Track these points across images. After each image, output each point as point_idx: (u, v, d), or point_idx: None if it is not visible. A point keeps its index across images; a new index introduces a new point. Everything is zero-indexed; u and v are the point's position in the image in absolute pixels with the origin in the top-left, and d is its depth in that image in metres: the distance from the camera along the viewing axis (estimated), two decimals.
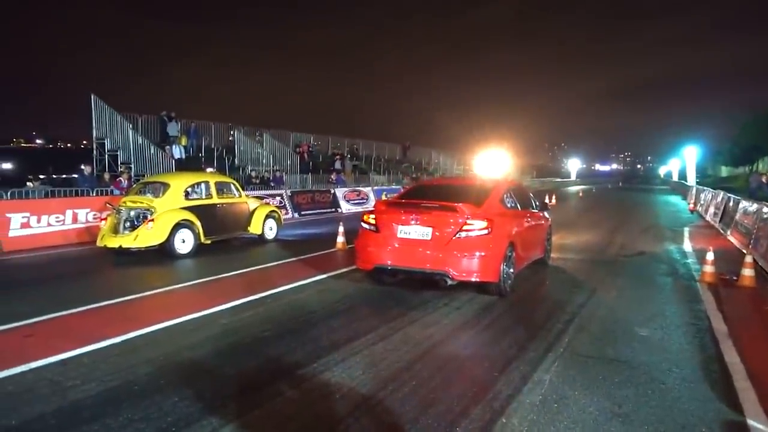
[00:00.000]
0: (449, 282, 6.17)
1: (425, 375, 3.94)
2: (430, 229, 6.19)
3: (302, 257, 9.33)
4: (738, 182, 47.40)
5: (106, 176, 14.49)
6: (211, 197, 10.36)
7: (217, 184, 10.69)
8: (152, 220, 9.08)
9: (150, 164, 16.63)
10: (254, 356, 4.39)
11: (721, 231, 13.56)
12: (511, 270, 6.58)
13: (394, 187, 25.83)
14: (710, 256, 7.54)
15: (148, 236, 8.96)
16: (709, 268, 7.44)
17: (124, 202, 9.59)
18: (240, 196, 11.22)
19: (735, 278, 7.34)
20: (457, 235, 6.10)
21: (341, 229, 10.53)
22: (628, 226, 15.15)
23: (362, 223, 6.79)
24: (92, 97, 16.28)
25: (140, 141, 16.80)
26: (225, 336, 4.92)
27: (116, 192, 13.24)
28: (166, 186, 9.78)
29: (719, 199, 16.09)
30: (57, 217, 11.08)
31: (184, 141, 19.21)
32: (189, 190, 10.00)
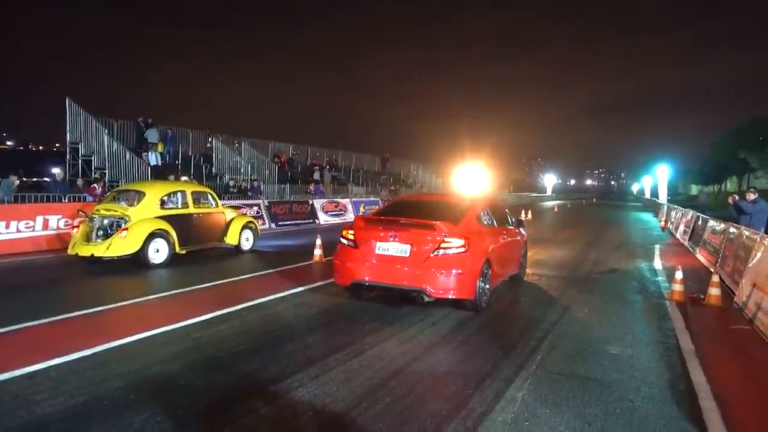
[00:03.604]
0: (426, 299, 6.25)
1: (399, 392, 3.95)
2: (408, 246, 6.23)
3: (279, 269, 9.31)
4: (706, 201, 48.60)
5: (80, 182, 14.22)
6: (188, 207, 10.24)
7: (193, 193, 10.59)
8: (126, 229, 8.93)
9: (125, 171, 16.41)
10: (228, 371, 4.36)
11: (690, 249, 13.91)
12: (487, 286, 6.69)
13: (372, 199, 25.90)
14: (679, 274, 7.74)
15: (121, 245, 8.81)
16: (677, 287, 7.63)
17: (98, 210, 9.44)
18: (217, 206, 11.13)
19: (702, 297, 7.54)
20: (435, 253, 6.15)
21: (318, 241, 10.51)
22: (601, 243, 15.43)
23: (341, 239, 6.79)
24: (67, 100, 16.03)
25: (116, 147, 16.58)
26: (198, 350, 4.87)
27: (89, 198, 13.01)
28: (141, 194, 9.65)
29: (689, 217, 16.51)
30: (27, 223, 10.86)
31: (160, 148, 19.01)
32: (165, 198, 9.89)
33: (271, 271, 9.20)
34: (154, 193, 9.76)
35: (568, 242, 15.17)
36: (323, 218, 20.54)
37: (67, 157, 16.25)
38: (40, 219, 11.08)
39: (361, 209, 23.51)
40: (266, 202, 18.33)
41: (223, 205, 11.69)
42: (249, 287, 7.98)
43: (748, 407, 4.00)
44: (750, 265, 7.29)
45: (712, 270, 8.57)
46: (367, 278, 6.43)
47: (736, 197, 11.38)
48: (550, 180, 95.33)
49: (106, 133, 16.55)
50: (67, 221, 11.46)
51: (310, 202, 20.53)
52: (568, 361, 4.80)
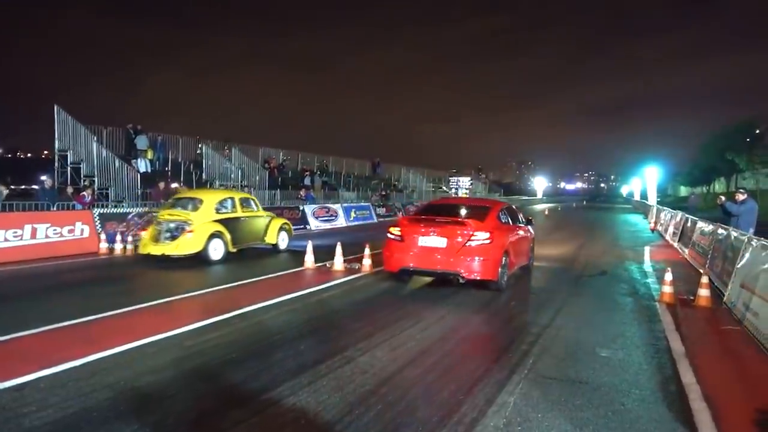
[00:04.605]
0: (461, 280, 7.65)
1: (391, 398, 3.95)
2: (445, 239, 7.71)
3: (280, 273, 9.31)
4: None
5: (69, 190, 14.07)
6: (236, 211, 11.59)
7: (240, 199, 11.97)
8: (191, 230, 10.27)
9: (114, 178, 16.26)
10: (218, 379, 4.33)
11: (680, 251, 14.02)
12: (506, 271, 8.10)
13: (363, 204, 25.87)
14: (669, 276, 7.79)
15: (187, 244, 10.16)
16: (667, 289, 7.68)
17: (163, 215, 10.73)
18: (258, 210, 12.48)
19: (692, 298, 7.59)
20: (466, 244, 7.61)
21: (309, 247, 10.48)
22: (591, 245, 15.52)
23: (389, 234, 8.27)
24: (56, 107, 15.90)
25: (105, 154, 16.44)
26: (191, 358, 4.83)
27: (78, 207, 12.91)
28: (200, 201, 10.98)
29: (678, 219, 16.64)
30: (14, 232, 10.73)
31: (150, 154, 18.89)
32: (218, 205, 11.18)
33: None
34: (210, 199, 11.18)
35: (559, 244, 15.23)
36: (314, 224, 20.49)
37: (56, 164, 16.12)
38: (28, 228, 10.96)
39: (352, 215, 23.49)
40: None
41: (262, 209, 12.91)
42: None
43: (738, 408, 4.02)
44: (738, 266, 7.35)
45: (701, 271, 8.63)
46: (411, 265, 7.92)
47: (723, 198, 11.47)
48: (540, 183, 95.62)
49: (95, 140, 16.41)
50: (55, 229, 11.36)
51: (301, 208, 20.45)
52: (559, 365, 4.81)
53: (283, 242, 12.89)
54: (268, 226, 12.49)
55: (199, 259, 10.24)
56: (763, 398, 4.21)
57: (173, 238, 10.27)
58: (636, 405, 3.95)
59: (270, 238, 12.47)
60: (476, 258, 7.57)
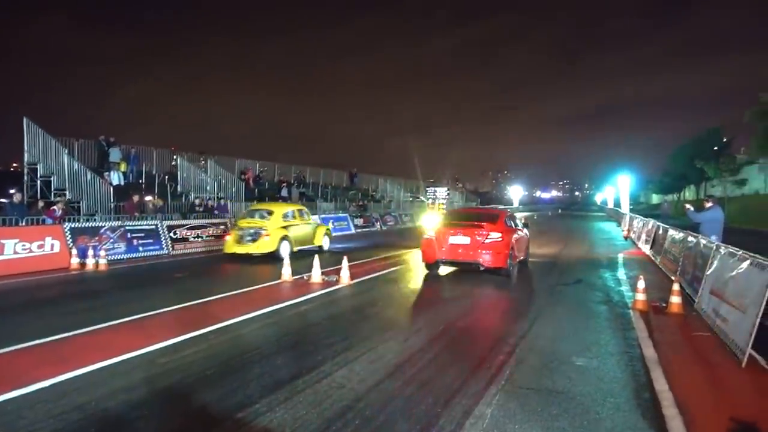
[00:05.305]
0: (481, 268, 10.01)
1: (369, 413, 3.93)
2: (468, 238, 10.22)
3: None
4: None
5: (40, 204, 13.69)
6: (295, 219, 14.67)
7: (297, 210, 15.15)
8: (268, 234, 13.24)
9: (86, 191, 15.94)
10: (194, 397, 4.26)
11: (652, 258, 14.27)
12: (512, 262, 10.36)
13: (341, 215, 25.83)
14: (641, 284, 7.94)
15: (266, 245, 13.13)
16: (640, 296, 7.82)
17: (242, 223, 13.70)
18: (308, 218, 15.62)
19: (664, 305, 7.74)
20: (484, 241, 10.03)
21: (287, 260, 10.42)
22: (566, 254, 15.73)
23: (425, 235, 10.71)
24: (25, 120, 15.56)
25: (76, 167, 16.12)
26: (176, 371, 4.74)
27: (49, 221, 12.61)
28: (271, 212, 14.10)
29: (650, 226, 16.96)
30: None
31: (123, 167, 18.60)
32: (284, 215, 14.24)
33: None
34: (279, 211, 14.32)
35: (534, 253, 15.37)
36: None
37: (25, 177, 15.74)
38: None
39: (330, 226, 23.38)
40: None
41: (310, 218, 15.90)
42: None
43: (709, 413, 4.10)
44: (708, 273, 7.52)
45: (672, 278, 8.80)
46: (443, 257, 10.38)
47: (688, 206, 11.74)
48: (516, 192, 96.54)
49: (66, 153, 16.09)
50: (24, 245, 11.08)
51: None
52: (536, 375, 4.85)
53: (326, 244, 15.95)
54: (315, 231, 15.50)
55: (273, 257, 12.91)
56: (732, 403, 4.30)
57: (254, 240, 13.13)
58: (611, 413, 4.00)
59: (317, 241, 15.50)
60: (491, 251, 9.89)
